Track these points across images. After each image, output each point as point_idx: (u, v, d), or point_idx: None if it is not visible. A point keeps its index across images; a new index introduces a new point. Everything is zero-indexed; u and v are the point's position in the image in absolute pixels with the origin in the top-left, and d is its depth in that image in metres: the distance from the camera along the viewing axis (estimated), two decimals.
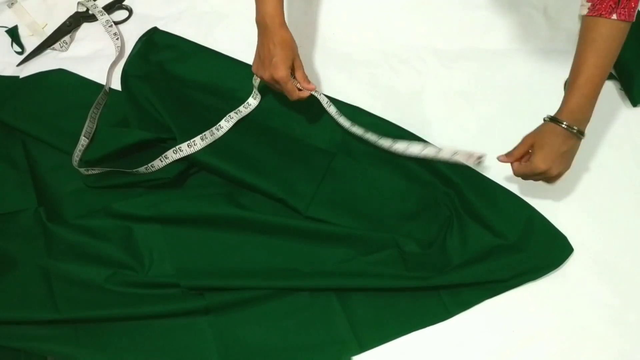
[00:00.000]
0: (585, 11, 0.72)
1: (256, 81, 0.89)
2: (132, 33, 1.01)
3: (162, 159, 0.86)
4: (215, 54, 0.98)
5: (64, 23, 1.03)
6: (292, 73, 0.81)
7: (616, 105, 0.95)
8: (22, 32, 1.04)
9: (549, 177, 0.77)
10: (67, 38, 1.02)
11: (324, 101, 0.86)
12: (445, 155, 0.83)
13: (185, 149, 0.86)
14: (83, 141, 0.90)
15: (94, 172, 0.88)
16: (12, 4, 1.06)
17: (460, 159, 0.83)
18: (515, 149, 0.79)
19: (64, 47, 1.02)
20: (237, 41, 0.99)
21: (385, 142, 0.85)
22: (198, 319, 0.80)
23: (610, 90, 0.96)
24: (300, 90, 0.82)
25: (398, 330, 0.80)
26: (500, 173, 0.88)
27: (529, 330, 0.80)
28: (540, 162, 0.75)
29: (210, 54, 0.98)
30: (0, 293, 0.81)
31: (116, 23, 1.03)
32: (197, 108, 0.93)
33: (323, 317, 0.80)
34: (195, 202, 0.86)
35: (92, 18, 1.04)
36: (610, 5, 0.70)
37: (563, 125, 0.74)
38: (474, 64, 0.98)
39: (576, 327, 0.80)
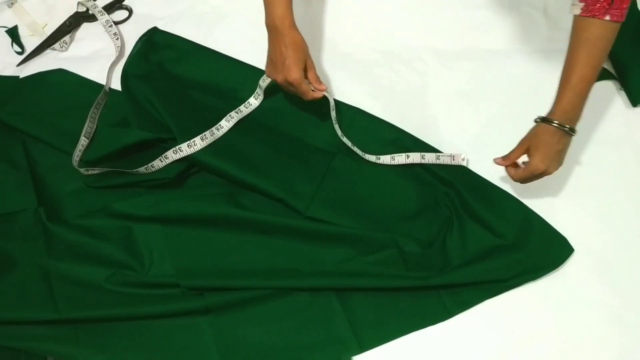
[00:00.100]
0: (577, 11, 0.73)
1: (265, 82, 0.88)
2: (132, 33, 1.01)
3: (162, 159, 0.86)
4: (215, 54, 0.98)
5: (64, 23, 1.03)
6: (305, 73, 0.82)
7: (616, 105, 0.95)
8: (22, 32, 1.04)
9: (544, 175, 0.78)
10: (67, 38, 1.02)
11: (331, 104, 0.86)
12: (430, 159, 0.87)
13: (185, 149, 0.86)
14: (83, 141, 0.90)
15: (94, 172, 0.88)
16: (12, 4, 1.06)
17: (445, 161, 0.86)
18: (512, 152, 0.80)
19: (64, 47, 1.02)
20: (237, 41, 0.99)
21: (370, 157, 0.88)
22: (198, 319, 0.80)
23: (610, 90, 0.96)
24: (313, 90, 0.82)
25: (398, 330, 0.80)
26: (496, 174, 0.88)
27: (529, 330, 0.80)
28: (539, 162, 0.76)
29: (210, 54, 0.98)
30: (0, 293, 0.81)
31: (116, 23, 1.03)
32: (197, 108, 0.92)
33: (323, 317, 0.80)
34: (195, 202, 0.86)
35: (92, 18, 1.04)
36: (604, 6, 0.71)
37: (555, 125, 0.75)
38: (474, 64, 0.98)
39: (576, 327, 0.80)
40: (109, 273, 0.82)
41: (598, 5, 0.71)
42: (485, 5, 1.03)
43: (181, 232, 0.85)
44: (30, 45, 1.02)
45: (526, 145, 0.78)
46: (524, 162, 0.80)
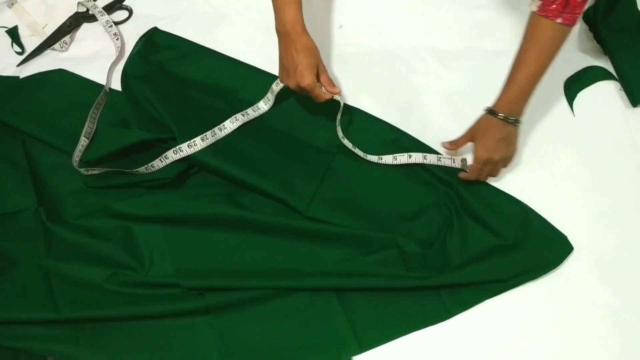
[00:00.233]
0: (534, 8, 0.76)
1: (278, 86, 0.88)
2: (132, 33, 1.01)
3: (162, 159, 0.86)
4: (215, 54, 0.98)
5: (64, 23, 1.03)
6: (317, 77, 0.82)
7: (616, 105, 0.95)
8: (22, 32, 1.04)
9: (495, 164, 0.83)
10: (67, 38, 1.02)
11: (341, 106, 0.87)
12: (431, 160, 0.88)
13: (186, 149, 0.86)
14: (83, 141, 0.90)
15: (94, 172, 0.88)
16: (12, 4, 1.06)
17: (446, 162, 0.87)
18: (458, 138, 0.86)
19: (64, 48, 1.02)
20: (237, 41, 0.99)
21: (372, 158, 0.88)
22: (198, 319, 0.80)
23: (610, 90, 0.96)
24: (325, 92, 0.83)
25: (398, 330, 0.80)
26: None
27: (529, 330, 0.80)
28: (481, 151, 0.82)
29: (210, 54, 0.98)
30: (0, 293, 0.81)
31: (116, 23, 1.03)
32: (198, 108, 0.92)
33: (323, 317, 0.80)
34: (195, 202, 0.86)
35: (92, 18, 1.04)
36: (558, 9, 0.73)
37: (500, 117, 0.80)
38: (474, 64, 0.98)
39: (576, 327, 0.80)
40: (109, 273, 0.81)
41: (553, 7, 0.73)
42: (486, 5, 1.03)
43: (181, 232, 0.85)
44: (30, 45, 1.02)
45: (470, 134, 0.84)
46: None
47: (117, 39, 1.00)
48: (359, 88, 0.96)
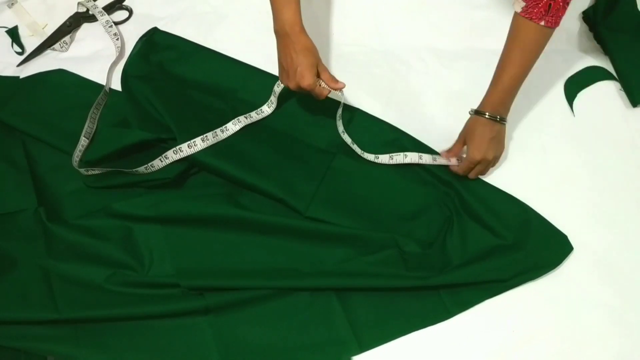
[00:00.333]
0: (518, 9, 0.77)
1: (279, 87, 0.88)
2: (132, 33, 1.01)
3: (162, 159, 0.86)
4: (215, 54, 0.98)
5: (64, 23, 1.03)
6: (318, 77, 0.82)
7: (616, 105, 0.95)
8: (22, 32, 1.04)
9: (488, 162, 0.84)
10: (67, 38, 1.02)
11: (342, 101, 0.87)
12: (426, 160, 0.88)
13: (186, 149, 0.86)
14: (83, 141, 0.90)
15: (94, 172, 0.88)
16: (12, 4, 1.06)
17: (442, 162, 0.88)
18: (453, 146, 0.87)
19: (64, 48, 1.02)
20: (237, 41, 0.99)
21: (369, 156, 0.88)
22: (198, 319, 0.80)
23: (610, 90, 0.96)
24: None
25: (398, 330, 0.80)
26: (495, 174, 0.89)
27: (529, 330, 0.80)
28: (475, 152, 0.82)
29: (210, 54, 0.98)
30: (0, 293, 0.81)
31: (116, 23, 1.03)
32: (198, 108, 0.92)
33: (323, 317, 0.80)
34: (195, 202, 0.86)
35: (92, 18, 1.04)
36: (541, 12, 0.74)
37: (487, 117, 0.82)
38: (474, 64, 0.98)
39: (576, 327, 0.80)
40: (109, 273, 0.81)
41: (536, 9, 0.74)
42: (486, 5, 1.03)
43: (181, 232, 0.85)
44: (30, 45, 1.02)
45: (463, 138, 0.85)
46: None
47: (117, 39, 1.00)
48: (359, 88, 0.96)
